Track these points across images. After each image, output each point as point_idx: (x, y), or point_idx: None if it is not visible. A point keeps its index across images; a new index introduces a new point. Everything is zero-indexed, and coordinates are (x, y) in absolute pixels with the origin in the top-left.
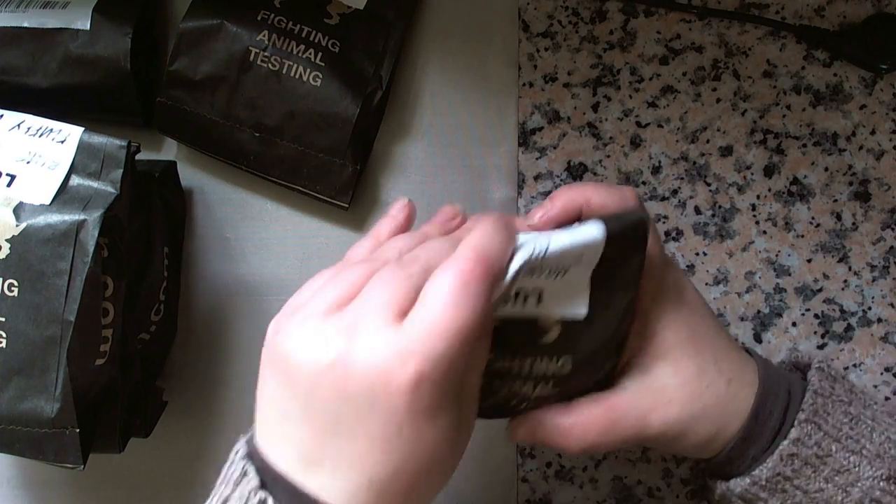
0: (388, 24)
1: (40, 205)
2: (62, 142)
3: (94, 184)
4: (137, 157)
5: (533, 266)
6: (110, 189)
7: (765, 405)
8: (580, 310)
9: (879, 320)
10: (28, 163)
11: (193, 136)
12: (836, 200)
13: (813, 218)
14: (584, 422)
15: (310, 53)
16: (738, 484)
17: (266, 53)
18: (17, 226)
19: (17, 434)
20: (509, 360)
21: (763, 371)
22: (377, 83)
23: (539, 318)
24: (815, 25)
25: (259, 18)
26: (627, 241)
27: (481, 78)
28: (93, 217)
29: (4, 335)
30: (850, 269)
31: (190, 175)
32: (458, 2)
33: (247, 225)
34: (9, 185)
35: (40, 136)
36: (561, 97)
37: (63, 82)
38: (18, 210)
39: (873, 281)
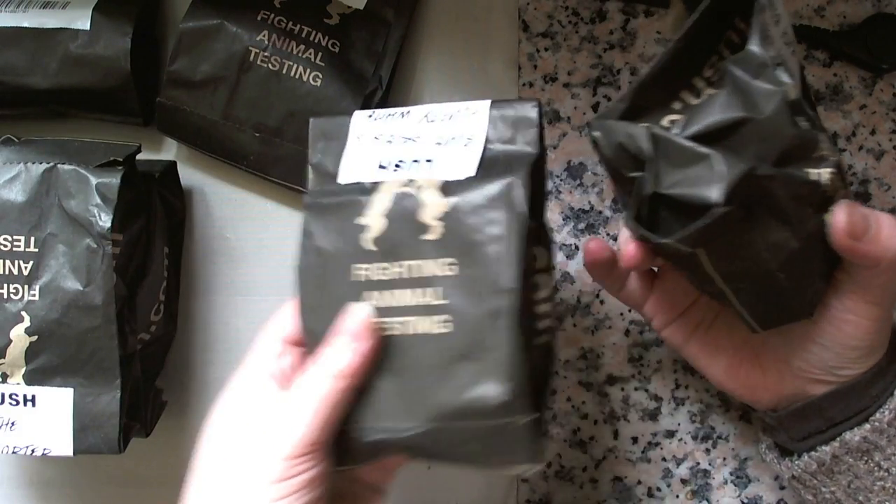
0: (388, 24)
1: (466, 178)
2: (472, 115)
3: (511, 147)
4: (137, 157)
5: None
6: (529, 149)
7: None
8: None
9: None
10: (443, 144)
11: (193, 136)
12: None
13: None
14: None
15: (310, 53)
16: (857, 433)
17: (266, 53)
18: (447, 201)
19: (466, 431)
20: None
21: None
22: (377, 83)
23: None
24: (815, 25)
25: (259, 18)
26: None
27: (481, 78)
28: (518, 176)
29: (451, 318)
30: None
31: (190, 175)
32: (458, 2)
33: (247, 225)
34: (429, 168)
35: (449, 118)
36: (561, 97)
37: (63, 82)
38: (445, 188)
39: None
